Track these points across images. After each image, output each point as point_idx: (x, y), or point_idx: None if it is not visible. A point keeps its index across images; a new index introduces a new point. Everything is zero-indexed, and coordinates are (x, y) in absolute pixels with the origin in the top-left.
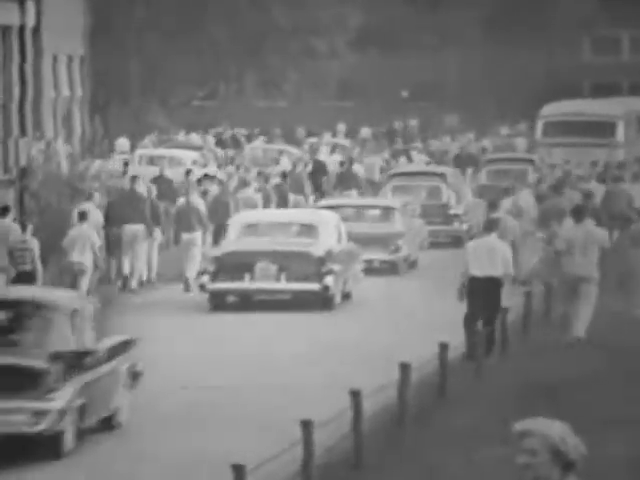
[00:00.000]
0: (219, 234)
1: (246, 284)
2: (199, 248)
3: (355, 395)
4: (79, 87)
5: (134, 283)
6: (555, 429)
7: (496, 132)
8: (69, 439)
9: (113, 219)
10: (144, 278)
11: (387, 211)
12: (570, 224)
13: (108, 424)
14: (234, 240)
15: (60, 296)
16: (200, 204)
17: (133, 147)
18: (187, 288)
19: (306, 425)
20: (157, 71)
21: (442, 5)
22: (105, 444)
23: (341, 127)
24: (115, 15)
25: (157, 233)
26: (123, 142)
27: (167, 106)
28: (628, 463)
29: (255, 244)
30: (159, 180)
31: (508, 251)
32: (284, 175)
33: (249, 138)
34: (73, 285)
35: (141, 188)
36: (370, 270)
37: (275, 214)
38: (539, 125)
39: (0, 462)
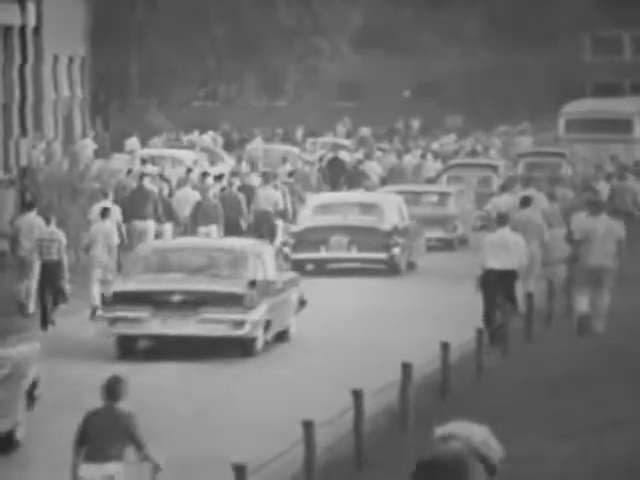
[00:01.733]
0: (229, 231)
1: (322, 254)
2: None
3: (357, 395)
4: (79, 88)
5: None
6: (477, 432)
7: (499, 132)
8: (259, 343)
9: (123, 215)
10: None
11: (444, 196)
12: (583, 217)
13: (282, 338)
14: (310, 217)
15: (251, 243)
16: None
17: (143, 147)
18: None
19: (307, 425)
20: (157, 71)
21: (444, 6)
22: (279, 350)
23: (341, 127)
24: (116, 16)
25: (168, 228)
26: (134, 141)
27: (167, 106)
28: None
29: (329, 220)
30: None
31: (522, 244)
32: (291, 174)
33: (247, 138)
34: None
35: (149, 185)
36: (430, 246)
37: (345, 195)
38: (561, 122)
39: (210, 357)
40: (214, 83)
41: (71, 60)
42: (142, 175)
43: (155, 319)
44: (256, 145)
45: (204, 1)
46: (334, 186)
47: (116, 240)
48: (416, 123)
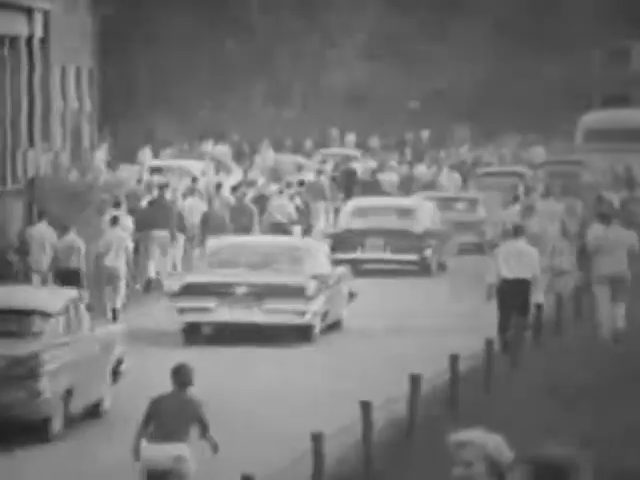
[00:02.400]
0: None
1: (359, 255)
2: None
3: (365, 406)
4: (87, 98)
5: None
6: (490, 440)
7: (508, 142)
8: (317, 331)
9: (141, 225)
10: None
11: (473, 202)
12: (598, 227)
13: (335, 327)
14: (348, 220)
15: (308, 242)
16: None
17: (156, 157)
18: None
19: (316, 438)
20: (165, 82)
21: (453, 15)
22: (333, 338)
23: (351, 138)
24: (123, 27)
25: (181, 238)
26: (146, 152)
27: (175, 117)
28: None
29: (365, 223)
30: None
31: (536, 255)
32: (301, 183)
33: (257, 149)
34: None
35: (168, 196)
36: (461, 249)
37: (380, 200)
38: (579, 132)
39: (271, 343)
40: (223, 94)
41: (79, 71)
42: (162, 186)
43: (222, 308)
44: (267, 155)
45: (212, 12)
46: (348, 196)
47: (130, 247)
48: (425, 134)
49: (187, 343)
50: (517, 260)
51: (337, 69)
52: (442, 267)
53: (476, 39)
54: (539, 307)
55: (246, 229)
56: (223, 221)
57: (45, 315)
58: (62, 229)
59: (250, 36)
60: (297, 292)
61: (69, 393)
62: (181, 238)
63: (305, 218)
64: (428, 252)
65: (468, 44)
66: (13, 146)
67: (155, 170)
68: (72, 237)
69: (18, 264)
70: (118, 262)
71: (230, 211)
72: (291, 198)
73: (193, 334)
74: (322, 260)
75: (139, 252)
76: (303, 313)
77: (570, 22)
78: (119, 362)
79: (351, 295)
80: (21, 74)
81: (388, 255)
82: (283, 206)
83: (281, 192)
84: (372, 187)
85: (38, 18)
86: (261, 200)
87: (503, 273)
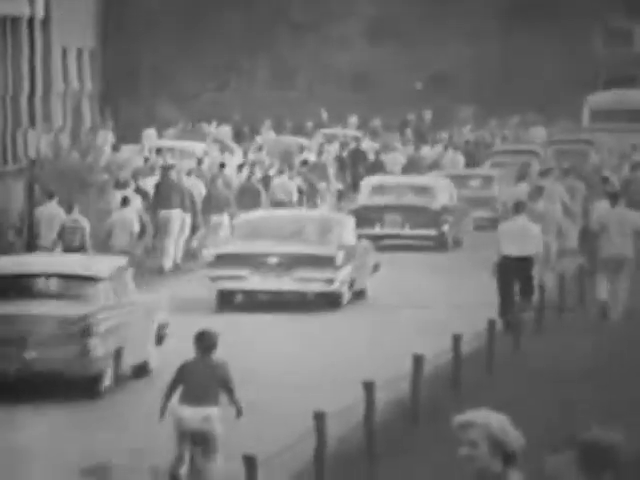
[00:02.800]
0: None
1: (377, 230)
2: (227, 229)
3: (368, 387)
4: (89, 80)
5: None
6: (495, 420)
7: (511, 123)
8: (345, 298)
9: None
10: (178, 261)
11: (487, 179)
12: (602, 207)
13: (360, 296)
14: (366, 197)
15: (334, 214)
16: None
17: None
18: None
19: (319, 416)
20: (168, 63)
21: None
22: (358, 307)
23: (353, 119)
24: (125, 7)
25: (187, 218)
26: (151, 132)
27: (178, 98)
28: None
29: (384, 200)
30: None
31: (538, 232)
32: (304, 163)
33: (257, 130)
34: None
35: (174, 176)
36: (476, 225)
37: (398, 178)
38: (585, 112)
39: (301, 308)
40: (225, 74)
41: (80, 52)
42: (168, 167)
43: (254, 277)
44: (267, 136)
45: None
46: (354, 176)
47: (137, 228)
48: (428, 115)
49: (220, 310)
50: (519, 237)
51: (340, 50)
52: (458, 242)
53: (478, 20)
54: (541, 288)
55: (252, 208)
56: (226, 201)
57: (96, 280)
58: (67, 208)
59: (252, 16)
60: (326, 261)
61: (118, 352)
62: (188, 217)
63: (310, 198)
64: (445, 228)
65: (470, 25)
66: (14, 126)
67: (158, 151)
68: (76, 216)
69: (19, 244)
70: (124, 241)
71: (238, 190)
72: (291, 178)
73: (226, 302)
74: (348, 232)
75: (156, 232)
76: (332, 281)
77: (573, 3)
78: (162, 326)
79: (375, 266)
80: (22, 55)
81: (407, 231)
82: (285, 185)
83: (281, 172)
84: (376, 167)
85: None
86: (265, 180)
87: (505, 250)
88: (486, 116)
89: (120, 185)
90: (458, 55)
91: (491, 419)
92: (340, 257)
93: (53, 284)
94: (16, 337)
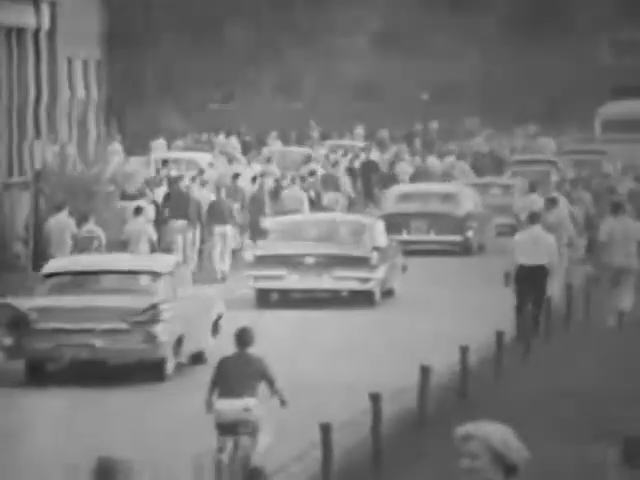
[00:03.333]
0: (255, 229)
1: (404, 236)
2: (231, 240)
3: (374, 399)
4: (94, 90)
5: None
6: (496, 432)
7: (519, 134)
8: (378, 296)
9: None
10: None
11: (507, 188)
12: (610, 219)
13: (389, 294)
14: (392, 205)
15: (367, 218)
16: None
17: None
18: (223, 277)
19: (325, 428)
20: (173, 74)
21: (462, 7)
22: (389, 302)
23: (359, 130)
24: (131, 18)
25: (197, 227)
26: (161, 143)
27: (183, 109)
28: None
29: (409, 207)
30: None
31: (553, 241)
32: (312, 173)
33: (263, 141)
34: None
35: (184, 187)
36: (498, 232)
37: (424, 186)
38: (597, 123)
39: (336, 305)
40: (231, 85)
41: (86, 63)
42: (176, 179)
43: (292, 276)
44: (274, 147)
45: (220, 3)
46: (366, 187)
47: (153, 237)
48: (434, 125)
49: (259, 307)
50: (534, 247)
51: (346, 61)
52: (482, 247)
53: (486, 32)
54: (548, 299)
55: (258, 218)
56: (230, 212)
57: (158, 275)
58: (82, 218)
59: (257, 26)
60: (362, 262)
61: (180, 340)
62: (197, 227)
63: (317, 208)
64: (470, 233)
65: (477, 36)
66: (20, 138)
67: (164, 162)
68: (91, 226)
69: (25, 255)
70: (139, 250)
71: (249, 201)
72: (304, 188)
73: (263, 300)
74: (380, 234)
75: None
76: (367, 280)
77: (580, 14)
78: (218, 317)
79: (403, 267)
80: (28, 66)
81: (432, 237)
82: (296, 195)
83: (293, 182)
84: (390, 178)
85: (45, 10)
86: (277, 190)
87: (520, 260)
88: (493, 127)
89: (132, 196)
90: (465, 66)
91: (492, 431)
92: (375, 257)
93: (118, 279)
94: (86, 328)
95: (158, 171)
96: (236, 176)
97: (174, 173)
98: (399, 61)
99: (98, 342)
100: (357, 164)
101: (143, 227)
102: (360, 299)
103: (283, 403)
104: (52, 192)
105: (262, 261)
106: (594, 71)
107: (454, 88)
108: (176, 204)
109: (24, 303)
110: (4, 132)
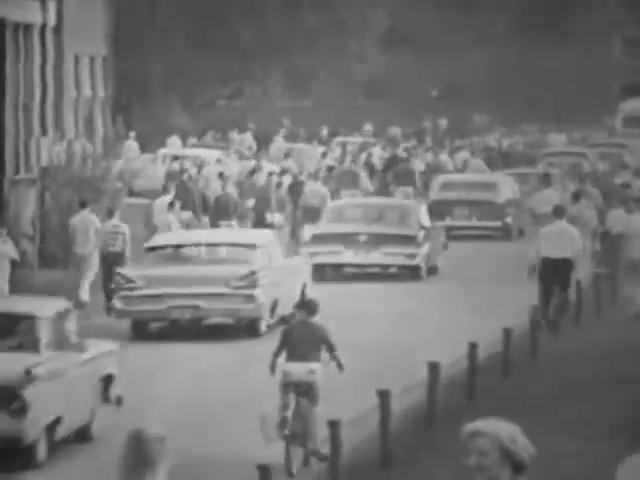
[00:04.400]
0: (260, 224)
1: (448, 222)
2: None
3: (383, 395)
4: (101, 87)
5: None
6: (504, 429)
7: (526, 130)
8: (424, 270)
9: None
10: None
11: (547, 177)
12: (621, 212)
13: (433, 270)
14: (437, 193)
15: (413, 202)
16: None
17: (184, 145)
18: None
19: (334, 425)
20: (180, 71)
21: (472, 5)
22: (433, 277)
23: (368, 127)
24: (138, 15)
25: (204, 221)
26: (175, 140)
27: (190, 106)
28: None
29: (453, 195)
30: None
31: (577, 234)
32: (330, 169)
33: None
34: None
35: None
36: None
37: (465, 176)
38: (618, 118)
39: (381, 279)
40: (238, 83)
41: (92, 59)
42: (181, 172)
43: (347, 252)
44: (280, 144)
45: (228, 0)
46: (383, 183)
47: (178, 227)
48: (444, 122)
49: (315, 281)
50: (559, 240)
51: (355, 58)
52: (521, 232)
53: (496, 30)
54: (578, 284)
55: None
56: (235, 207)
57: (255, 246)
58: (107, 214)
59: (265, 24)
60: (409, 239)
61: (275, 303)
62: (205, 221)
63: None
64: (509, 219)
65: (486, 33)
66: (26, 134)
67: (175, 158)
68: (116, 221)
69: (31, 251)
70: None
71: (256, 195)
72: (325, 183)
73: (320, 274)
74: (424, 216)
75: None
76: (414, 256)
77: (591, 11)
78: (304, 285)
79: (444, 245)
80: (34, 62)
81: (474, 222)
82: (318, 190)
83: (315, 178)
84: (407, 175)
85: (52, 6)
86: (297, 186)
87: (545, 253)
88: (502, 124)
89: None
90: (474, 63)
91: (500, 428)
92: (421, 235)
93: (219, 251)
94: (191, 292)
95: (182, 169)
96: (252, 172)
97: (187, 167)
98: (408, 59)
99: (202, 303)
100: (374, 159)
101: (170, 220)
102: (407, 274)
103: (341, 367)
104: (59, 189)
105: (319, 239)
106: (604, 68)
107: (463, 85)
108: (181, 197)
109: (133, 272)
110: (11, 129)
